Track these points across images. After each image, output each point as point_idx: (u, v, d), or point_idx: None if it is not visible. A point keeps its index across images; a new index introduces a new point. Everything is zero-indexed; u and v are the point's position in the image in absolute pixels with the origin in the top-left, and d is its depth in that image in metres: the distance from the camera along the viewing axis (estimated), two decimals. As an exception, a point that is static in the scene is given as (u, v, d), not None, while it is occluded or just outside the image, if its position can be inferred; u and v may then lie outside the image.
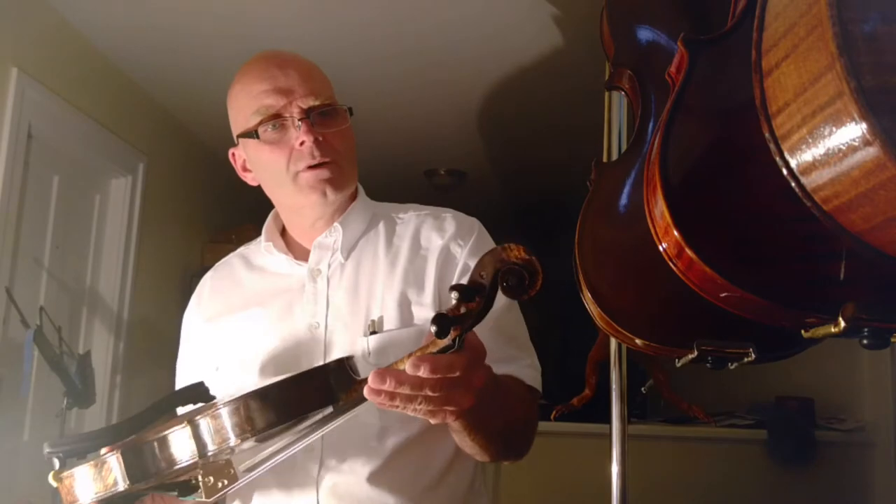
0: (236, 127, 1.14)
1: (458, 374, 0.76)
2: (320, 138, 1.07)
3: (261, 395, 0.75)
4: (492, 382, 0.86)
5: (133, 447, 0.78)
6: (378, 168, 3.31)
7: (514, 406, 1.01)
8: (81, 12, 2.30)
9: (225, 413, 0.75)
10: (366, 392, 0.75)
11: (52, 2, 2.25)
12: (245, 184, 1.20)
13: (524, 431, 1.07)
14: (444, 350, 0.76)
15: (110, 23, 2.36)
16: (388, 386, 0.74)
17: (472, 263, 1.10)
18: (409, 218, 1.17)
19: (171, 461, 0.76)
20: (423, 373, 0.73)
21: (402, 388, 0.74)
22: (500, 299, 1.06)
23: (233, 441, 0.74)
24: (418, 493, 1.04)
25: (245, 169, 1.17)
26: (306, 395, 0.77)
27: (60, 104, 2.35)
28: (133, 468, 0.76)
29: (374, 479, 1.03)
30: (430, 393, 0.75)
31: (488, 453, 0.98)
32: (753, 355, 0.79)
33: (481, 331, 1.05)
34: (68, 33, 2.39)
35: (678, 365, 0.86)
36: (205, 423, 0.75)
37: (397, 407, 0.76)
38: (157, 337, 3.02)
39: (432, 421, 0.81)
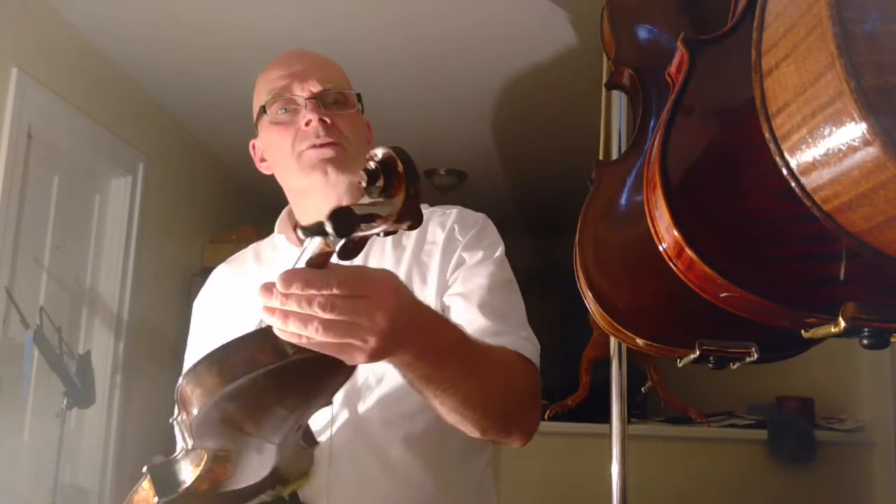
0: (255, 113, 1.17)
1: (345, 292, 0.67)
2: (327, 120, 1.08)
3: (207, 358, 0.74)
4: (451, 334, 0.83)
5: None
6: (378, 168, 3.31)
7: (496, 371, 0.92)
8: (82, 12, 2.30)
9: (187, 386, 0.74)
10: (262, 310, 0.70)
11: (53, 2, 2.25)
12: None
13: (519, 402, 0.97)
14: (320, 259, 0.68)
15: (110, 23, 2.36)
16: (275, 300, 0.68)
17: (468, 256, 1.10)
18: None
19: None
20: (294, 290, 0.67)
21: (289, 303, 0.67)
22: (482, 277, 1.05)
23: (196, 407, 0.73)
24: (425, 490, 1.04)
25: (262, 159, 1.20)
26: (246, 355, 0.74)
27: (60, 104, 2.35)
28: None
29: (382, 476, 1.03)
30: (320, 313, 0.67)
31: (471, 421, 0.90)
32: (755, 355, 0.79)
33: (468, 310, 1.04)
34: (69, 34, 2.39)
35: (680, 365, 0.86)
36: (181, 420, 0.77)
37: (300, 337, 0.69)
38: (157, 337, 3.02)
39: (341, 357, 0.72)
